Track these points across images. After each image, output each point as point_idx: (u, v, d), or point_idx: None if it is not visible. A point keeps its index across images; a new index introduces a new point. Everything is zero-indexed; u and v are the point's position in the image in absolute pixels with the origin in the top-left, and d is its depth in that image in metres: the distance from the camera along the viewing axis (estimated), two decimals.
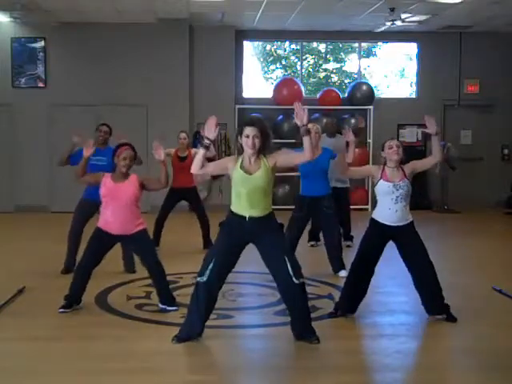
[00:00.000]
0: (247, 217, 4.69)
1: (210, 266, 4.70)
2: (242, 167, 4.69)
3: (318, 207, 6.95)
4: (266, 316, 5.53)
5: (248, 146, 4.64)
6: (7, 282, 6.48)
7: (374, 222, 5.39)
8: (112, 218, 5.54)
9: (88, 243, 5.65)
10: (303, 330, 4.82)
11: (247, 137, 4.65)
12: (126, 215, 5.52)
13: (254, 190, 4.67)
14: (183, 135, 8.52)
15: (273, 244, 4.73)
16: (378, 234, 5.33)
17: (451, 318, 5.32)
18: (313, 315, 5.26)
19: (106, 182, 5.57)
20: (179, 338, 4.78)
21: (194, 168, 4.77)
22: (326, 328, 5.13)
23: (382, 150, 5.39)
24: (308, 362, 4.52)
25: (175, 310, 5.57)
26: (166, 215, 8.33)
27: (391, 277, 6.27)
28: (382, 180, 5.32)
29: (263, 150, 4.70)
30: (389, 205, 5.27)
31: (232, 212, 4.77)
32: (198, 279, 4.75)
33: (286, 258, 4.68)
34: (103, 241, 5.59)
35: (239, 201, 4.72)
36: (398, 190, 5.26)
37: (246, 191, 4.66)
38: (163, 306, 5.62)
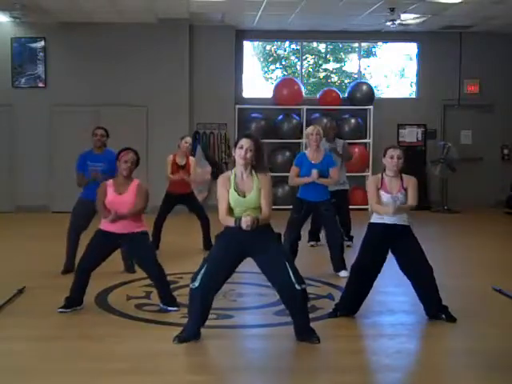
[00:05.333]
0: None
1: (202, 272, 4.71)
2: (235, 188, 4.70)
3: (316, 210, 6.99)
4: (266, 316, 5.53)
5: (240, 156, 4.67)
6: (7, 282, 6.47)
7: (372, 225, 5.40)
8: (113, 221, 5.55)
9: (88, 244, 5.65)
10: (305, 331, 4.83)
11: (241, 148, 4.67)
12: (127, 219, 5.53)
13: (247, 210, 4.70)
14: (189, 140, 8.40)
15: (272, 252, 4.73)
16: (378, 238, 5.34)
17: (451, 318, 5.32)
18: (313, 315, 5.27)
19: (108, 195, 5.57)
20: (180, 339, 4.78)
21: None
22: (326, 328, 5.13)
23: (384, 156, 5.39)
24: (308, 362, 4.52)
25: (176, 310, 5.57)
26: (163, 219, 8.27)
27: (391, 277, 6.26)
28: (381, 190, 5.33)
29: (256, 166, 4.72)
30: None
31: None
32: (190, 285, 4.78)
33: (288, 265, 4.70)
34: (104, 242, 5.59)
35: (234, 214, 4.74)
36: (395, 201, 5.27)
37: (239, 210, 4.70)
38: (164, 307, 5.63)
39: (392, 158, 5.31)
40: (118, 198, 5.54)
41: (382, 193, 5.32)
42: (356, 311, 5.47)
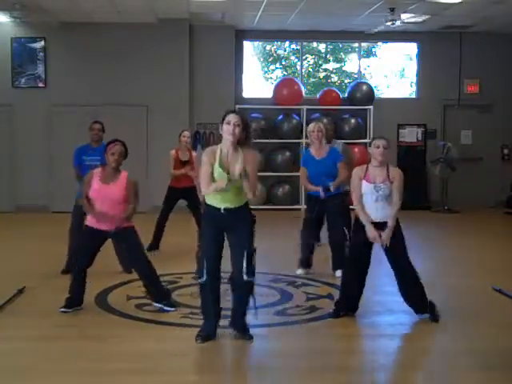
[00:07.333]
0: (222, 208, 4.71)
1: (205, 265, 4.74)
2: (220, 164, 4.63)
3: (324, 207, 6.97)
4: (266, 316, 5.51)
5: (228, 132, 4.59)
6: (7, 282, 6.47)
7: (359, 222, 5.39)
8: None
9: (80, 244, 5.67)
10: (239, 324, 4.86)
11: (228, 123, 4.60)
12: (113, 214, 5.52)
13: (229, 190, 4.65)
14: (187, 133, 8.46)
15: (239, 236, 4.75)
16: (364, 234, 5.33)
17: (434, 318, 5.28)
18: (313, 315, 5.28)
19: (94, 184, 5.54)
20: (202, 337, 4.78)
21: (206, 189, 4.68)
22: (326, 328, 5.14)
23: (370, 146, 5.40)
24: (308, 362, 4.52)
25: (173, 310, 5.57)
26: (166, 216, 8.24)
27: (391, 276, 6.27)
28: (364, 180, 5.33)
29: (243, 143, 4.66)
30: (370, 202, 5.31)
31: (207, 204, 4.79)
32: (199, 281, 4.80)
33: (245, 254, 4.70)
34: (92, 238, 5.59)
35: (213, 196, 4.72)
36: (377, 191, 5.26)
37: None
38: (159, 305, 5.61)
39: (378, 147, 5.31)
40: (104, 187, 5.51)
41: (364, 182, 5.31)
42: (356, 309, 5.46)
